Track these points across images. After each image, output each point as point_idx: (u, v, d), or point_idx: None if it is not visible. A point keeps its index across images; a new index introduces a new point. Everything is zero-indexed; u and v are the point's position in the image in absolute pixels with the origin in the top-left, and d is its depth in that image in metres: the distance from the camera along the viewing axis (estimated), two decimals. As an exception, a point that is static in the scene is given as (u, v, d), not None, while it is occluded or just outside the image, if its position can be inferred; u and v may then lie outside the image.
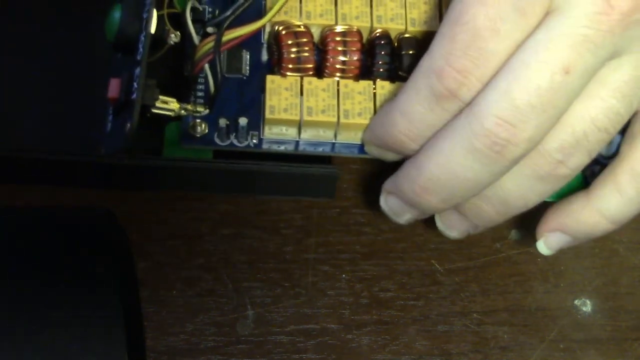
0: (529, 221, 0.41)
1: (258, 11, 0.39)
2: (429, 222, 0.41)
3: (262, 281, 0.43)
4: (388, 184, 0.38)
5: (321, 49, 0.39)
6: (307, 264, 0.43)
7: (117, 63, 0.37)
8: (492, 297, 0.43)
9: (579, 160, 0.35)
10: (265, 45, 0.40)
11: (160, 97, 0.36)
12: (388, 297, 0.43)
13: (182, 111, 0.37)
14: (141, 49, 0.35)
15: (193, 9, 0.39)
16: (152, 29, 0.36)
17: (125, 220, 0.39)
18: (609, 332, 0.43)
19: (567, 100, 0.34)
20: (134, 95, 0.34)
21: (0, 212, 0.41)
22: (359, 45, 0.39)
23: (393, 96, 0.37)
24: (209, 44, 0.38)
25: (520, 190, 0.36)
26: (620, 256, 0.44)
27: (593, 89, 0.35)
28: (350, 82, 0.38)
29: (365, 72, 0.39)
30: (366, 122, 0.38)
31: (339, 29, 0.39)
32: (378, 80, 0.38)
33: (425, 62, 0.35)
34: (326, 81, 0.38)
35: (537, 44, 0.33)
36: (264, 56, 0.40)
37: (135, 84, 0.35)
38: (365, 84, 0.38)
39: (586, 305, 0.43)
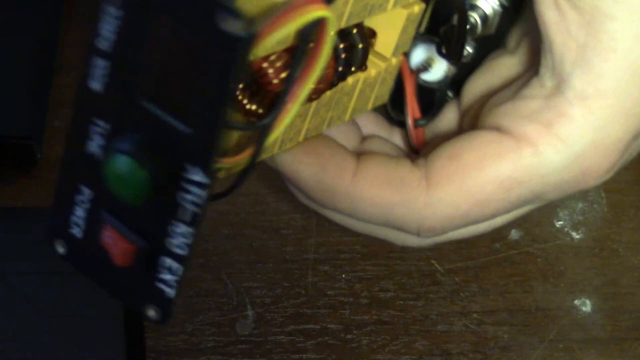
0: (529, 221, 0.41)
1: None
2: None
3: (262, 281, 0.43)
4: None
5: None
6: (307, 264, 0.43)
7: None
8: (492, 297, 0.43)
9: None
10: None
11: None
12: (388, 297, 0.43)
13: None
14: None
15: None
16: None
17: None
18: (609, 332, 0.43)
19: None
20: None
21: (2, 212, 0.41)
22: None
23: None
24: None
25: None
26: (620, 256, 0.44)
27: None
28: None
29: None
30: None
31: None
32: None
33: None
34: None
35: None
36: None
37: None
38: None
39: (586, 305, 0.43)
